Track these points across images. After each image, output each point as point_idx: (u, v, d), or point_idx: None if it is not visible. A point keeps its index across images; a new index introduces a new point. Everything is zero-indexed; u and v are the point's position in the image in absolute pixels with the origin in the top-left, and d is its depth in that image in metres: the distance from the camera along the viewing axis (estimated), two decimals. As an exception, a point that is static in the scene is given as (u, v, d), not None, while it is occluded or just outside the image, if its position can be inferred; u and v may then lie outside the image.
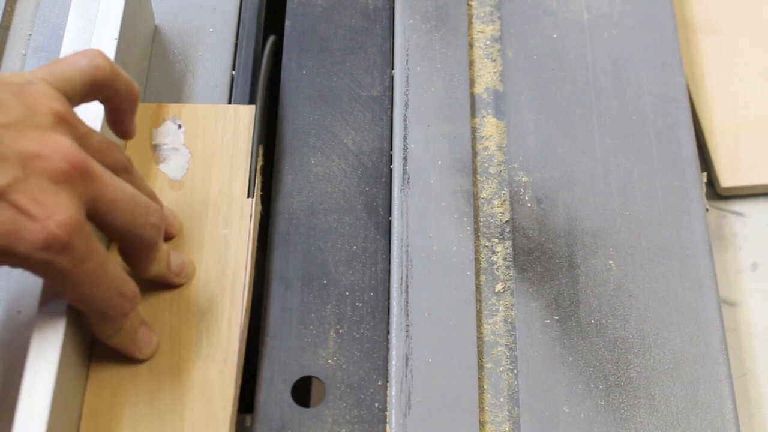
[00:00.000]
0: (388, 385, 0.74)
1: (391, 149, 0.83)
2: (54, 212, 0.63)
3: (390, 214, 0.81)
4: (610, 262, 0.79)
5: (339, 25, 0.89)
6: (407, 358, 0.75)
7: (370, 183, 0.82)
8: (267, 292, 0.77)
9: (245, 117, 0.82)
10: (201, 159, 0.80)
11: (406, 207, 0.81)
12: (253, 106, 0.82)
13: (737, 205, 0.90)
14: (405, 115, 0.85)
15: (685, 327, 0.77)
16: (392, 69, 0.87)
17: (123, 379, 0.71)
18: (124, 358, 0.71)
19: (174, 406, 0.70)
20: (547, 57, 0.89)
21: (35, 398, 0.65)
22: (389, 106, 0.85)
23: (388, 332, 0.76)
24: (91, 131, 0.68)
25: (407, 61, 0.87)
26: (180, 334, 0.73)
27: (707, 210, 0.83)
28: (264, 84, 0.84)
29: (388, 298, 0.77)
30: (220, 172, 0.79)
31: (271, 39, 0.87)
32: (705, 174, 0.85)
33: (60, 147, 0.64)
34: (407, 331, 0.76)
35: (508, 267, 0.79)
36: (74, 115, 0.68)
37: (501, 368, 0.76)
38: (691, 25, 0.96)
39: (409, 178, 0.82)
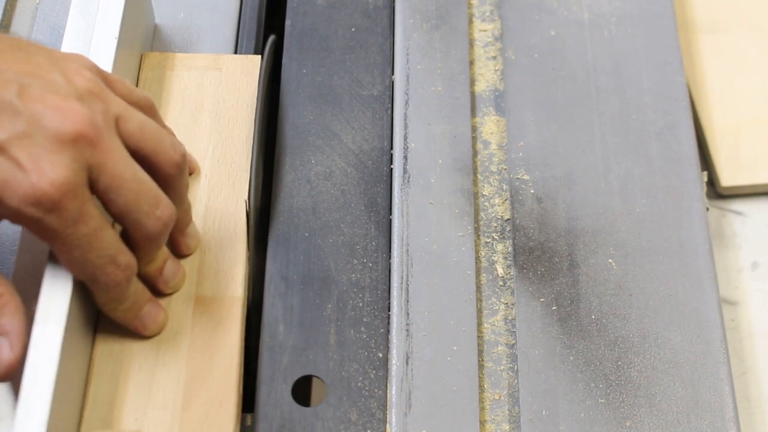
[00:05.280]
0: (388, 384, 0.74)
1: (392, 148, 0.83)
2: (49, 170, 0.64)
3: (390, 213, 0.81)
4: (611, 261, 0.79)
5: (339, 24, 0.89)
6: (408, 357, 0.75)
7: (371, 182, 0.82)
8: (267, 292, 0.77)
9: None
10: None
11: (406, 206, 0.81)
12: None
13: (737, 205, 0.90)
14: (405, 114, 0.85)
15: (685, 326, 0.77)
16: (393, 69, 0.87)
17: (128, 349, 0.72)
18: (130, 331, 0.72)
19: (179, 377, 0.71)
20: (547, 56, 0.89)
21: (41, 366, 0.66)
22: (390, 105, 0.85)
23: (388, 331, 0.76)
24: (128, 114, 0.68)
25: (408, 60, 0.87)
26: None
27: (708, 209, 0.83)
28: (264, 83, 0.84)
29: (389, 297, 0.77)
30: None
31: (271, 38, 0.87)
32: (705, 173, 0.85)
33: (75, 112, 0.65)
34: (407, 330, 0.76)
35: (508, 266, 0.79)
36: (107, 93, 0.68)
37: (501, 367, 0.76)
38: (692, 24, 0.96)
39: (409, 177, 0.82)
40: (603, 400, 0.74)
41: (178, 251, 0.75)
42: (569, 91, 0.87)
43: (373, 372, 0.74)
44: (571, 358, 0.75)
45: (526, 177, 0.83)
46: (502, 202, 0.82)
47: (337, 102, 0.85)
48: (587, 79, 0.88)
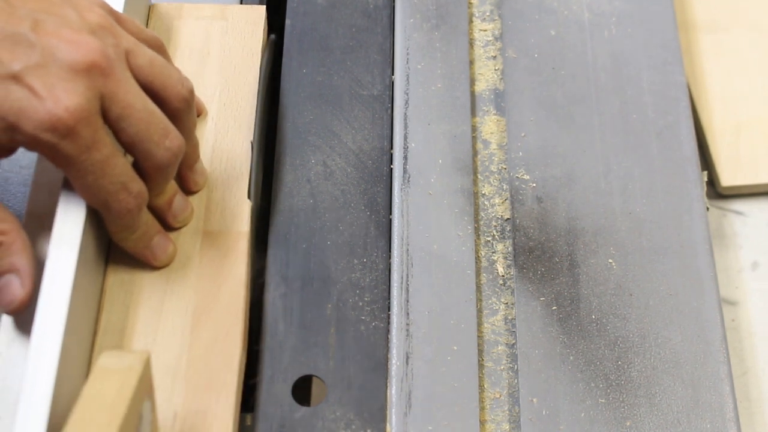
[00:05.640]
0: (388, 384, 0.74)
1: (392, 148, 0.83)
2: (63, 98, 0.66)
3: (390, 213, 0.81)
4: (611, 261, 0.79)
5: (339, 24, 0.89)
6: (407, 357, 0.75)
7: (371, 182, 0.82)
8: (267, 292, 0.77)
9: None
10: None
11: (406, 206, 0.81)
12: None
13: (738, 204, 0.90)
14: (405, 113, 0.85)
15: (685, 326, 0.77)
16: (392, 69, 0.87)
17: (139, 279, 0.75)
18: (140, 262, 0.75)
19: (187, 305, 0.73)
20: (547, 56, 0.89)
21: (56, 285, 0.68)
22: (390, 105, 0.85)
23: (388, 331, 0.76)
24: (138, 50, 0.71)
25: (408, 59, 0.87)
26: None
27: (708, 209, 0.83)
28: (264, 83, 0.84)
29: (389, 297, 0.77)
30: None
31: (271, 38, 0.88)
32: (705, 173, 0.85)
33: (87, 44, 0.68)
34: (407, 329, 0.76)
35: (508, 266, 0.79)
36: (118, 29, 0.71)
37: (501, 367, 0.76)
38: (692, 23, 0.96)
39: (409, 177, 0.82)
40: (603, 400, 0.74)
41: (186, 187, 0.77)
42: (569, 91, 0.87)
43: (373, 372, 0.74)
44: (571, 357, 0.75)
45: (526, 177, 0.83)
46: (502, 202, 0.82)
47: (337, 102, 0.85)
48: (587, 79, 0.88)
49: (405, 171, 0.82)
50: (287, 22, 0.89)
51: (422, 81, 0.86)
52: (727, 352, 0.76)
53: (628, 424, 0.73)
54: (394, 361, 0.74)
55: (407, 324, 0.76)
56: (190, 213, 0.77)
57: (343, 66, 0.87)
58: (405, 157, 0.83)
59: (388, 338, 0.76)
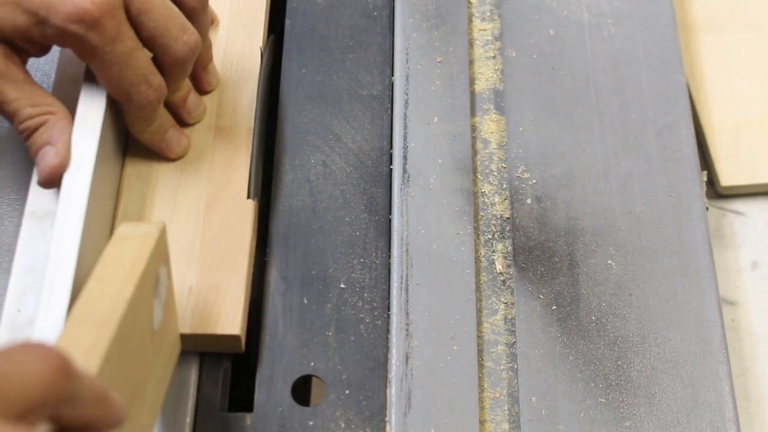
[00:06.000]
0: (388, 384, 0.74)
1: (391, 148, 0.83)
2: None
3: (390, 213, 0.81)
4: (610, 261, 0.79)
5: (339, 24, 0.89)
6: (407, 357, 0.75)
7: (370, 182, 0.82)
8: (267, 292, 0.77)
9: None
10: None
11: (406, 206, 0.81)
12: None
13: (737, 204, 0.90)
14: (405, 113, 0.85)
15: (685, 326, 0.77)
16: (392, 68, 0.87)
17: (155, 170, 0.80)
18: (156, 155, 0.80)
19: (201, 194, 0.79)
20: (547, 55, 0.89)
21: (81, 163, 0.74)
22: (389, 105, 0.85)
23: (388, 331, 0.76)
24: None
25: (407, 59, 0.87)
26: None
27: (707, 209, 0.83)
28: (264, 83, 0.84)
29: (388, 297, 0.77)
30: None
31: (270, 38, 0.88)
32: (705, 173, 0.85)
33: None
34: (407, 329, 0.76)
35: (508, 265, 0.79)
36: None
37: (501, 367, 0.76)
38: (692, 23, 0.96)
39: (409, 177, 0.82)
40: (603, 400, 0.74)
41: (200, 87, 0.83)
42: (569, 91, 0.87)
43: (373, 372, 0.74)
44: (571, 357, 0.75)
45: (525, 176, 0.83)
46: (502, 202, 0.82)
47: (337, 102, 0.85)
48: (587, 79, 0.88)
49: (404, 171, 0.82)
50: (287, 22, 0.89)
51: (422, 81, 0.86)
52: (727, 352, 0.76)
53: (627, 424, 0.73)
54: (393, 361, 0.75)
55: (407, 324, 0.76)
56: (203, 110, 0.82)
57: (342, 66, 0.87)
58: (404, 157, 0.83)
59: (387, 338, 0.76)
